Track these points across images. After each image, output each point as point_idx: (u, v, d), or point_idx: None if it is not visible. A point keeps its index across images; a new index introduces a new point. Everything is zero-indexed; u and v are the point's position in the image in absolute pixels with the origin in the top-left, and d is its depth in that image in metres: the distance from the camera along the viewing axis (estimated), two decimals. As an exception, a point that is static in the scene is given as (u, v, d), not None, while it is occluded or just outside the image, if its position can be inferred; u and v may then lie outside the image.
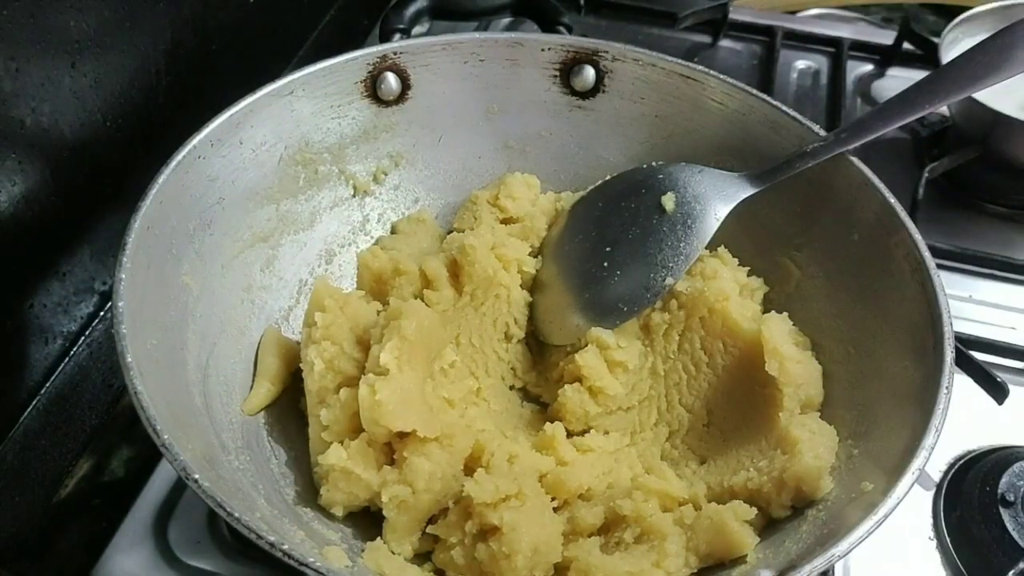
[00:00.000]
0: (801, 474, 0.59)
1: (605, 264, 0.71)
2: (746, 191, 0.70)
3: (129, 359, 0.52)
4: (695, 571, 0.58)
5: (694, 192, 0.71)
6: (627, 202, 0.73)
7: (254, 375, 0.68)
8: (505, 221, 0.79)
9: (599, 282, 0.71)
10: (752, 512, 0.59)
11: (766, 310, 0.72)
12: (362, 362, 0.64)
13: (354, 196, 0.79)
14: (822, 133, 0.71)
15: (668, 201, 0.71)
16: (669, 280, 0.69)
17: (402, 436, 0.62)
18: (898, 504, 0.51)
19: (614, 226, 0.73)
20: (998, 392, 0.73)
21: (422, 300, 0.71)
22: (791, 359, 0.64)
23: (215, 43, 0.85)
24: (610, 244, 0.72)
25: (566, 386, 0.69)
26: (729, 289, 0.70)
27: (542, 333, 0.75)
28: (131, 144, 0.75)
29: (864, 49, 1.16)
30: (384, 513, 0.60)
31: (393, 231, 0.81)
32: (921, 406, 0.56)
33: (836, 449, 0.61)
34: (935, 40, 1.12)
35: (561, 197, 0.81)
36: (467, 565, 0.58)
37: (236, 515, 0.47)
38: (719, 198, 0.70)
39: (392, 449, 0.62)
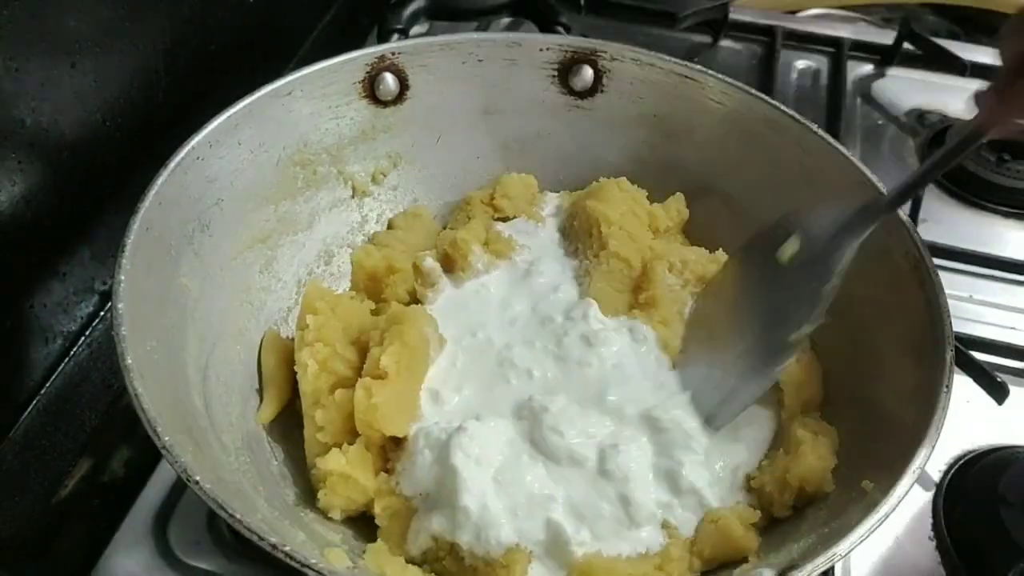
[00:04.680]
0: (804, 474, 0.59)
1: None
2: (873, 222, 0.61)
3: (129, 361, 0.52)
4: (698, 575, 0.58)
5: (816, 232, 0.62)
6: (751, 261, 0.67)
7: (259, 379, 0.68)
8: (501, 220, 0.79)
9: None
10: (756, 516, 0.59)
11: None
12: (356, 363, 0.64)
13: (353, 197, 0.79)
14: (821, 133, 0.71)
15: (788, 248, 0.63)
16: (805, 329, 0.61)
17: (397, 443, 0.62)
18: (899, 503, 0.51)
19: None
20: (998, 392, 0.73)
21: (416, 297, 0.71)
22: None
23: (215, 43, 0.85)
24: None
25: None
26: None
27: None
28: (131, 144, 0.75)
29: (864, 49, 1.16)
30: (376, 522, 0.61)
31: (389, 227, 0.81)
32: (921, 406, 0.56)
33: (837, 449, 0.61)
34: (935, 40, 1.12)
35: (566, 196, 0.81)
36: (461, 572, 0.58)
37: (237, 516, 0.47)
38: (845, 233, 0.61)
39: (388, 453, 0.62)
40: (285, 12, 0.99)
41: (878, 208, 0.62)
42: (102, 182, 0.73)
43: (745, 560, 0.58)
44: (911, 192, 0.63)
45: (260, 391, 0.68)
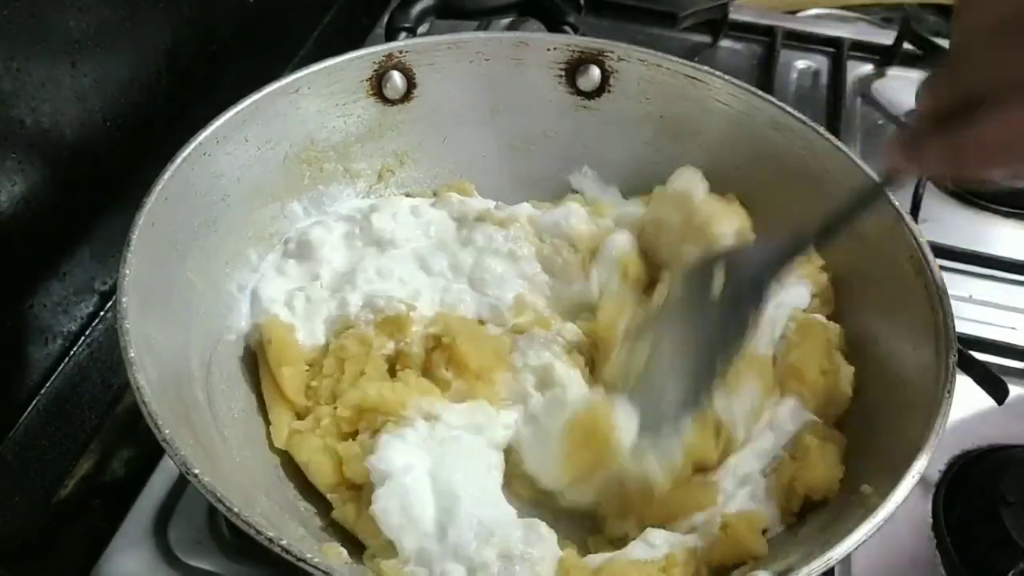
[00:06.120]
0: (813, 484, 0.59)
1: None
2: (793, 259, 0.61)
3: (132, 354, 0.52)
4: None
5: (741, 271, 0.62)
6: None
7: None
8: None
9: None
10: (767, 520, 0.58)
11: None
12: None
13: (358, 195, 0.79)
14: (826, 134, 0.71)
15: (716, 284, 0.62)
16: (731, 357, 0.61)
17: None
18: (897, 508, 0.51)
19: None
20: (998, 392, 0.73)
21: None
22: None
23: (215, 43, 0.85)
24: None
25: None
26: None
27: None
28: (131, 144, 0.75)
29: (864, 49, 1.16)
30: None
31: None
32: (922, 409, 0.56)
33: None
34: (935, 40, 1.12)
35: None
36: None
37: (235, 510, 0.47)
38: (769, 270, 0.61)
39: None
40: (286, 12, 0.99)
41: (798, 245, 0.61)
42: (102, 182, 0.73)
43: (744, 563, 0.57)
44: (829, 233, 0.60)
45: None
